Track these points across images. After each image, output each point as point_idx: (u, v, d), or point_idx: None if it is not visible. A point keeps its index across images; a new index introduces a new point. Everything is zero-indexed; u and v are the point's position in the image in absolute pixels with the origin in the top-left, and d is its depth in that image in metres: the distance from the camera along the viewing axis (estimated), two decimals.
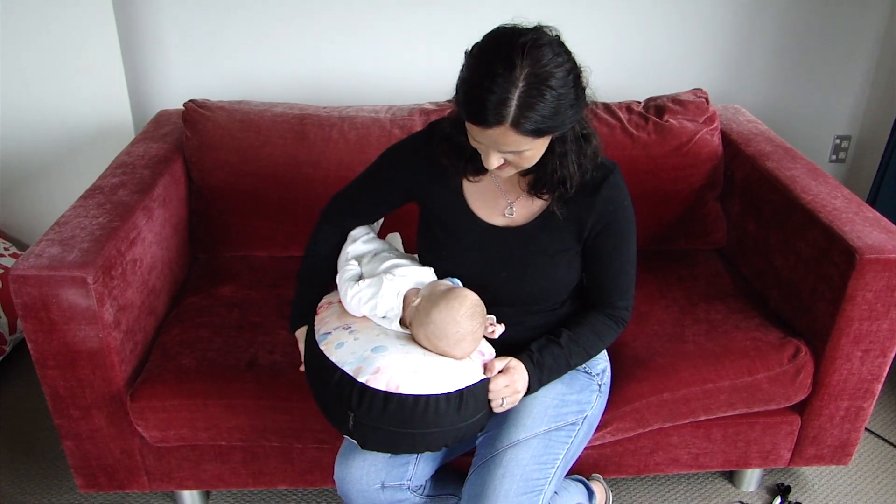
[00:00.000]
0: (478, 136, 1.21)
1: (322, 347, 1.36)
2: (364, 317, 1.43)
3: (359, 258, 1.53)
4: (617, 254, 1.44)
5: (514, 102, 1.13)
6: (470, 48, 1.22)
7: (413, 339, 1.37)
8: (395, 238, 1.67)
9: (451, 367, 1.31)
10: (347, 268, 1.49)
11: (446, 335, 1.31)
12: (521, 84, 1.13)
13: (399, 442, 1.29)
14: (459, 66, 1.23)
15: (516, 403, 1.37)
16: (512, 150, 1.22)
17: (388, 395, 1.24)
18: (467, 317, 1.32)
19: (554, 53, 1.16)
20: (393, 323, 1.38)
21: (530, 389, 1.39)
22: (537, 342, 1.43)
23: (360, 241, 1.56)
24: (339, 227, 1.58)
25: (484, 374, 1.34)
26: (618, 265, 1.45)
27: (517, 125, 1.15)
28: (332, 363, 1.31)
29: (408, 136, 1.53)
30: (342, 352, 1.33)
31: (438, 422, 1.26)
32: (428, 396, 1.25)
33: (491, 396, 1.33)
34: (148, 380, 1.63)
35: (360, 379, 1.26)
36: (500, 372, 1.35)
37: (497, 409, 1.35)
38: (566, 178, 1.32)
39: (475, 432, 1.35)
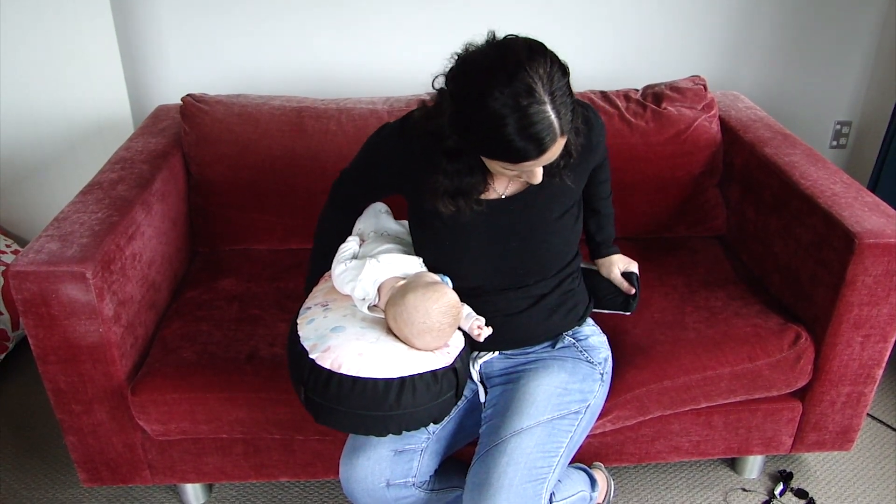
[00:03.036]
0: (529, 166, 1.23)
1: (297, 321, 1.42)
2: (344, 296, 1.45)
3: (364, 233, 1.56)
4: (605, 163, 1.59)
5: (554, 118, 1.16)
6: (462, 102, 1.20)
7: (377, 325, 1.39)
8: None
9: (398, 354, 1.32)
10: (347, 244, 1.51)
11: (413, 322, 1.32)
12: (547, 99, 1.15)
13: (342, 420, 1.32)
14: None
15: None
16: (557, 157, 1.25)
17: (330, 374, 1.29)
18: (440, 312, 1.32)
19: (542, 55, 1.17)
20: (364, 306, 1.40)
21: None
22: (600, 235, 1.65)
23: (372, 214, 1.59)
24: (343, 204, 1.61)
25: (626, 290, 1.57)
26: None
27: (563, 132, 1.19)
28: (298, 336, 1.37)
29: (379, 129, 1.50)
30: (309, 328, 1.38)
31: (376, 406, 1.28)
32: (366, 379, 1.28)
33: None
34: (149, 374, 1.64)
35: (312, 355, 1.32)
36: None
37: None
38: (569, 148, 1.32)
39: (423, 423, 1.35)
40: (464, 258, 1.45)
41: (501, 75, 1.14)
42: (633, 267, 1.63)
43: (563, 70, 1.19)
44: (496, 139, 1.17)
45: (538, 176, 1.28)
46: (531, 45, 1.19)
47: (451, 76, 1.24)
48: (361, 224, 1.59)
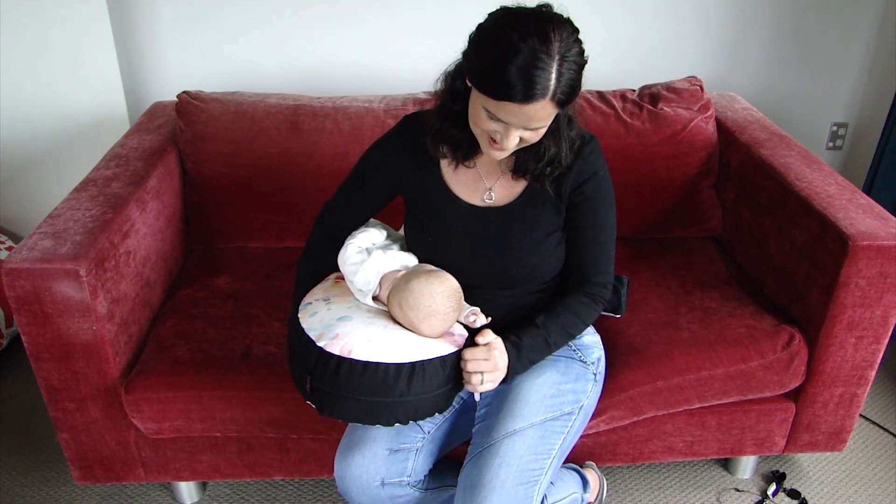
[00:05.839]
0: (507, 114, 1.21)
1: (299, 315, 1.42)
2: (344, 291, 1.46)
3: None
4: (592, 222, 1.44)
5: (553, 75, 1.17)
6: (479, 29, 1.24)
7: (383, 315, 1.40)
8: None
9: (407, 341, 1.33)
10: (369, 234, 1.51)
11: (418, 306, 1.33)
12: (556, 56, 1.16)
13: (349, 409, 1.32)
14: (459, 53, 1.26)
15: (495, 384, 1.35)
16: (538, 126, 1.24)
17: (340, 360, 1.29)
18: (444, 296, 1.34)
19: (571, 27, 1.21)
20: (366, 297, 1.41)
21: (512, 372, 1.38)
22: (514, 328, 1.43)
23: (372, 224, 1.59)
24: (333, 233, 1.56)
25: (476, 341, 1.35)
26: (592, 235, 1.45)
27: (554, 97, 1.19)
28: (302, 328, 1.37)
29: (382, 135, 1.53)
30: (313, 319, 1.38)
31: (387, 391, 1.28)
32: (378, 364, 1.28)
33: (469, 367, 1.33)
34: (142, 372, 1.63)
35: (320, 343, 1.32)
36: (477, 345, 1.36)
37: (477, 388, 1.33)
38: (558, 154, 1.35)
39: (430, 412, 1.35)
40: (447, 255, 1.46)
41: (529, 21, 1.18)
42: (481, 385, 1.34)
43: (581, 53, 1.21)
44: (496, 66, 1.18)
45: (511, 140, 1.26)
46: (568, 19, 1.22)
47: (488, 15, 1.26)
48: (362, 231, 1.56)
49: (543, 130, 1.27)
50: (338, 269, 1.50)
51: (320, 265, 1.57)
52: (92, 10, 2.23)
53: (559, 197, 1.42)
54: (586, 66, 1.23)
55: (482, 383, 1.33)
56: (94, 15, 2.24)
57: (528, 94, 1.17)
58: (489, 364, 1.33)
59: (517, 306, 1.48)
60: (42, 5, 2.20)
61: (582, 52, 1.21)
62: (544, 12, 1.20)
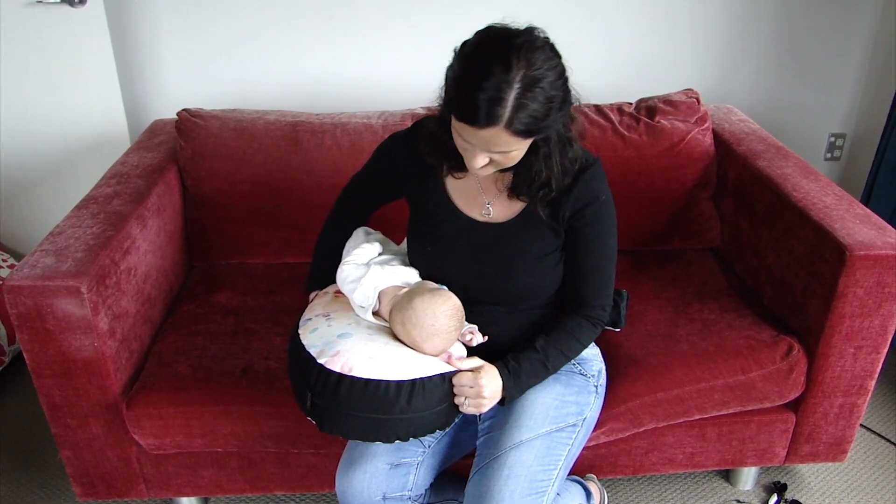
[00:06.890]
0: (468, 135, 1.21)
1: (299, 331, 1.42)
2: (344, 307, 1.47)
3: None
4: (593, 247, 1.43)
5: (509, 103, 1.14)
6: (461, 46, 1.23)
7: (384, 331, 1.40)
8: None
9: (408, 358, 1.33)
10: (365, 248, 1.52)
11: (421, 325, 1.33)
12: (516, 85, 1.14)
13: (350, 426, 1.32)
14: (447, 64, 1.25)
15: (481, 410, 1.35)
16: (501, 151, 1.23)
17: (341, 377, 1.29)
18: (446, 315, 1.34)
19: (546, 56, 1.18)
20: (367, 313, 1.41)
21: (509, 397, 1.39)
22: (513, 351, 1.43)
23: (378, 238, 1.60)
24: (356, 209, 1.63)
25: (454, 365, 1.35)
26: (593, 260, 1.44)
27: (510, 126, 1.16)
28: (302, 345, 1.37)
29: (389, 136, 1.55)
30: (314, 336, 1.39)
31: (387, 409, 1.29)
32: (378, 381, 1.28)
33: (455, 391, 1.35)
34: (144, 388, 1.64)
35: (320, 360, 1.32)
36: (469, 370, 1.36)
37: (462, 409, 1.36)
38: (551, 179, 1.33)
39: (431, 429, 1.35)
40: (447, 268, 1.46)
41: (499, 46, 1.16)
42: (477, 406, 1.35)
43: (554, 84, 1.18)
44: (458, 87, 1.19)
45: (475, 160, 1.25)
46: (545, 45, 1.19)
47: (475, 32, 1.25)
48: (358, 248, 1.57)
49: (516, 155, 1.26)
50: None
51: (338, 238, 1.59)
52: (92, 30, 2.25)
53: (556, 220, 1.40)
54: (561, 98, 1.20)
55: (464, 405, 1.35)
56: (95, 34, 2.25)
57: (480, 119, 1.16)
58: (473, 391, 1.34)
59: (516, 323, 1.48)
60: (43, 25, 2.22)
61: (555, 82, 1.18)
62: (520, 38, 1.17)
